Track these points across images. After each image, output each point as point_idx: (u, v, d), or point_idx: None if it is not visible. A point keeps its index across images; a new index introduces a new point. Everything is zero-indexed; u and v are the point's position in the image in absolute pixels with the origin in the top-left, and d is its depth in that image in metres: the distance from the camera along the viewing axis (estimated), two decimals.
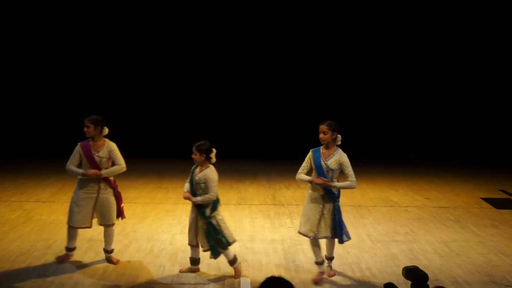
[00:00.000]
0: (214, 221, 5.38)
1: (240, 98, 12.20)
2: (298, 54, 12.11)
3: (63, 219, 7.44)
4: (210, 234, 5.38)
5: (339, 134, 5.46)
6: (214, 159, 5.45)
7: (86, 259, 5.97)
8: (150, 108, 12.15)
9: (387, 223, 7.56)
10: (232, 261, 5.54)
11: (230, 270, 5.67)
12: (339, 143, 5.49)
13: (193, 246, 5.59)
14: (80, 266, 5.79)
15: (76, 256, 6.01)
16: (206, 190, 5.33)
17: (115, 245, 6.05)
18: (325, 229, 5.43)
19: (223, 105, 12.16)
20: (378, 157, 11.94)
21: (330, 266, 5.71)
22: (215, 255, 5.43)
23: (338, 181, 5.44)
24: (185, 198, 5.44)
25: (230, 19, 12.06)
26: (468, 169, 11.36)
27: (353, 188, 5.42)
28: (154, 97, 12.17)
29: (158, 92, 12.17)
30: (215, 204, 5.41)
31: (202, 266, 5.76)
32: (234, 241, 5.54)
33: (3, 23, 11.86)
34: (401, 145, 12.24)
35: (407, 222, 7.63)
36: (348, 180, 5.37)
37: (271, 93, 12.23)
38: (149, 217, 7.66)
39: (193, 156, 5.41)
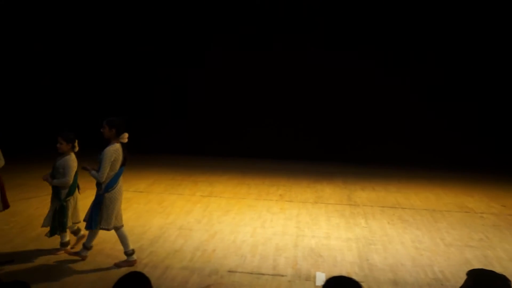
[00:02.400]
0: (65, 205, 5.89)
1: (320, 103, 12.49)
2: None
3: (156, 208, 8.17)
4: (56, 215, 5.88)
5: (126, 132, 5.59)
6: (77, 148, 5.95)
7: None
8: (229, 110, 12.74)
9: (462, 228, 7.61)
10: (65, 243, 6.11)
11: (306, 264, 6.03)
12: (123, 140, 5.60)
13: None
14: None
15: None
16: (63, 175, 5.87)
17: (201, 235, 6.70)
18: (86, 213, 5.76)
19: (300, 108, 12.46)
20: (455, 163, 11.86)
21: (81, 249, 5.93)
22: (51, 234, 5.94)
23: (98, 171, 5.53)
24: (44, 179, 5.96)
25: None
26: None
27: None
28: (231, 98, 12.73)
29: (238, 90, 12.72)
30: (71, 189, 5.92)
31: (280, 260, 6.11)
32: (70, 226, 6.03)
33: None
34: (478, 151, 12.07)
35: (482, 228, 7.64)
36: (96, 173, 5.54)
37: (347, 98, 12.47)
38: (232, 210, 8.21)
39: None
